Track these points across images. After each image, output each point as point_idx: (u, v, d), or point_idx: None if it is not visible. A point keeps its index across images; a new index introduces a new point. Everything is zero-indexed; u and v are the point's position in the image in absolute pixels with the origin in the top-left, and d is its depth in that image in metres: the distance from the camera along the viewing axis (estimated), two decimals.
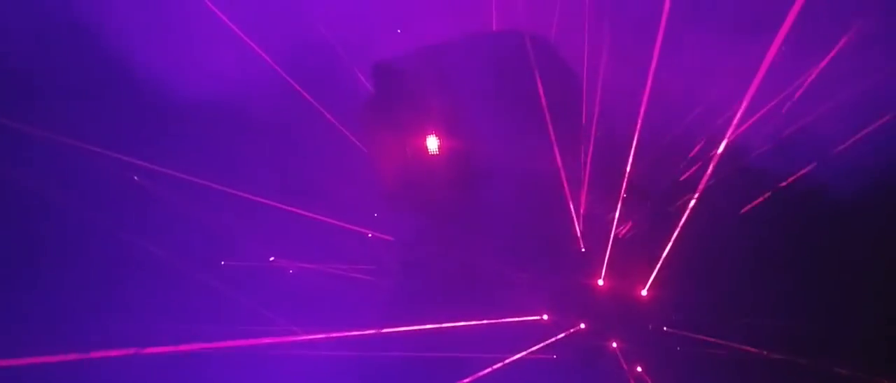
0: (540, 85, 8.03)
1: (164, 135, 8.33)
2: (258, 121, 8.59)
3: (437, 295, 7.95)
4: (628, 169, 7.94)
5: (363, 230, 8.84)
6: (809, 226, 7.46)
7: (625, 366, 7.63)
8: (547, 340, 7.72)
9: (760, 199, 7.60)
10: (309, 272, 8.63)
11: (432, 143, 8.49)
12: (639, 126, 7.68)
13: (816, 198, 7.45)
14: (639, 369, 7.63)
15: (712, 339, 7.49)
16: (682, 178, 7.84)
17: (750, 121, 7.31)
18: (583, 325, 7.73)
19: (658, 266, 7.62)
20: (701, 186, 7.40)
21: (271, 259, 8.89)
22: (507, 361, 7.65)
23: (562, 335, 7.73)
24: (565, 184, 8.00)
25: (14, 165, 7.86)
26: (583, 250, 8.08)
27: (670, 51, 7.53)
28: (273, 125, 8.67)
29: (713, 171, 7.39)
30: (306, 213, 8.71)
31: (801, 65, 7.28)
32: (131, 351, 7.52)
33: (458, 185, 8.34)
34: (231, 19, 8.28)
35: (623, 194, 8.00)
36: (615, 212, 7.98)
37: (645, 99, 7.69)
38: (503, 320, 7.78)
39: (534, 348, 7.68)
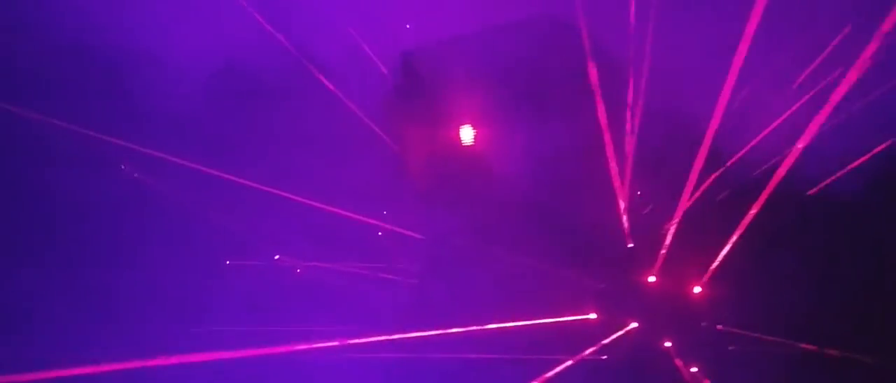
0: (590, 69, 7.70)
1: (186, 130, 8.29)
2: (273, 112, 8.49)
3: (478, 295, 7.70)
4: (677, 158, 7.65)
5: (397, 229, 8.66)
6: (873, 222, 7.07)
7: (680, 366, 7.30)
8: (596, 341, 7.44)
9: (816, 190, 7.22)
10: (341, 273, 8.48)
11: (467, 135, 8.22)
12: (687, 115, 7.39)
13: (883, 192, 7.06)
14: (694, 370, 7.30)
15: (769, 338, 7.14)
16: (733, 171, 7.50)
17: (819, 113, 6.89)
18: (635, 324, 7.41)
19: (714, 262, 7.28)
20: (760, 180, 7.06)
21: (276, 257, 8.81)
22: (554, 363, 7.38)
23: (612, 335, 7.44)
24: (614, 176, 7.68)
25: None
26: (630, 246, 7.76)
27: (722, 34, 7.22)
28: (290, 116, 8.55)
29: (770, 165, 7.05)
30: (338, 212, 8.55)
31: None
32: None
33: (495, 179, 8.07)
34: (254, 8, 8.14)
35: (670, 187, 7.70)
36: (662, 206, 7.66)
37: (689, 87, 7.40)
38: (549, 320, 7.50)
39: (584, 349, 7.41)
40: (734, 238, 7.18)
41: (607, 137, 7.83)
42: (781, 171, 6.95)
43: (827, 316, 7.00)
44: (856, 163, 7.10)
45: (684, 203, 7.58)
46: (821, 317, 6.98)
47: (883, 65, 6.46)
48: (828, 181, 7.23)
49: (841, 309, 6.98)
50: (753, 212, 7.05)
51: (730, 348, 7.24)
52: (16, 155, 7.92)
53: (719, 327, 7.36)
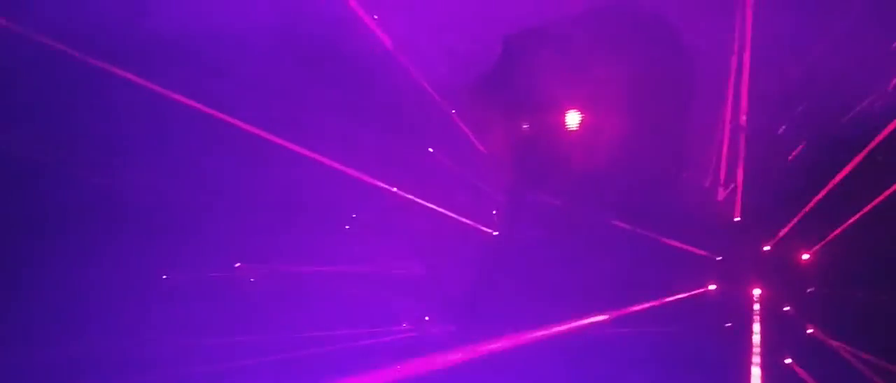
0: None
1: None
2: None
3: (604, 283, 8.05)
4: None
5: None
6: None
7: (799, 328, 7.92)
8: (718, 309, 7.96)
9: None
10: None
11: (572, 119, 8.42)
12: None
13: None
14: (810, 331, 7.93)
15: (878, 294, 7.82)
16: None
17: None
18: (758, 291, 7.96)
19: (820, 229, 7.90)
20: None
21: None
22: (679, 333, 7.85)
23: (733, 304, 7.98)
24: (724, 157, 8.19)
25: None
26: (737, 219, 8.29)
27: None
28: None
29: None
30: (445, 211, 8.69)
31: None
32: None
33: (599, 165, 8.40)
34: None
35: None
36: (768, 179, 8.23)
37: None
38: (675, 298, 7.96)
39: (708, 318, 7.91)
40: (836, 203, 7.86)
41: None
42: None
43: None
44: None
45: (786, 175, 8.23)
46: None
47: None
48: None
49: None
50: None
51: (840, 308, 7.90)
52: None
53: (828, 290, 8.01)
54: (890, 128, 7.44)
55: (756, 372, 7.63)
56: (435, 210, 8.74)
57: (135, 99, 7.38)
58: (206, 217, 8.09)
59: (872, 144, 7.59)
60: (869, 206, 7.61)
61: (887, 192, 7.58)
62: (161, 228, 7.92)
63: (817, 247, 7.95)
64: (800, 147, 8.21)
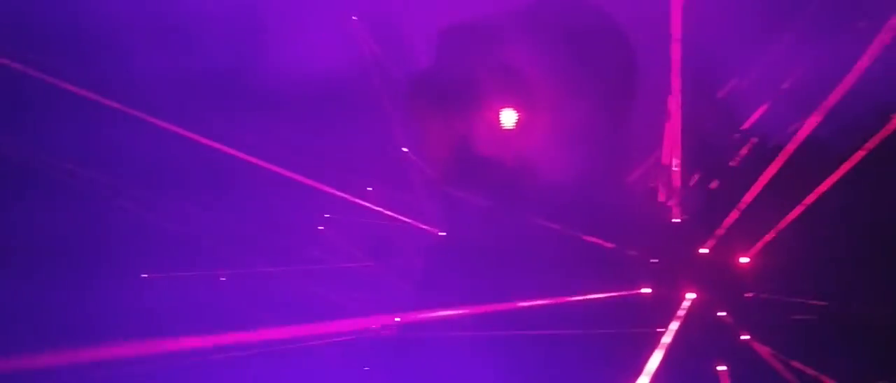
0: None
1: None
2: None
3: (534, 275, 7.92)
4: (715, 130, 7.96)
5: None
6: None
7: (734, 335, 7.66)
8: (652, 314, 7.74)
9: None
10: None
11: (507, 117, 8.26)
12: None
13: None
14: (746, 337, 7.67)
15: (816, 302, 7.53)
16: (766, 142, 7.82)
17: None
18: (693, 295, 7.73)
19: (760, 233, 7.63)
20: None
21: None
22: (611, 336, 7.66)
23: (667, 308, 7.75)
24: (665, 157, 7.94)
25: None
26: (677, 221, 8.05)
27: None
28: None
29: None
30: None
31: None
32: None
33: (534, 162, 8.22)
34: None
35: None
36: (707, 177, 7.97)
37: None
38: (603, 295, 7.76)
39: (640, 323, 7.70)
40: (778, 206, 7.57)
41: (645, 110, 8.15)
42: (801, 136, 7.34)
43: (869, 281, 7.41)
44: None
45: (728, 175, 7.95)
46: (865, 283, 7.38)
47: None
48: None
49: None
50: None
51: (775, 315, 7.62)
52: None
53: (765, 296, 7.73)
54: (806, 129, 7.12)
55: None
56: (383, 212, 8.74)
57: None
58: (148, 220, 8.22)
59: (787, 147, 7.31)
60: (801, 207, 7.31)
61: (820, 190, 7.26)
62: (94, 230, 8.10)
63: (756, 250, 7.67)
64: (743, 148, 7.93)
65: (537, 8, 8.08)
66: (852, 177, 7.28)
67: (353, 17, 8.45)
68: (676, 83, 7.73)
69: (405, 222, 8.75)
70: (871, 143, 7.13)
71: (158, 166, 8.27)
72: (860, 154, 7.13)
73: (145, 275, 8.34)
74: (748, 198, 7.64)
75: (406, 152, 8.79)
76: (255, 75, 8.05)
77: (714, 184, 7.92)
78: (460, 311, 7.95)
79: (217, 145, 7.97)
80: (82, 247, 7.95)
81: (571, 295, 7.75)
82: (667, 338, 7.62)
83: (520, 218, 8.11)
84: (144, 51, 8.05)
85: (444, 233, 8.64)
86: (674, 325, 7.65)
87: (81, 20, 7.78)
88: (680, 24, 7.55)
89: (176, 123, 7.87)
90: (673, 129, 7.90)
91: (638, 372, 7.36)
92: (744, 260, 7.76)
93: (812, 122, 7.29)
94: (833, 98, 7.22)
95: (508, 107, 8.09)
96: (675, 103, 7.86)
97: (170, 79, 7.89)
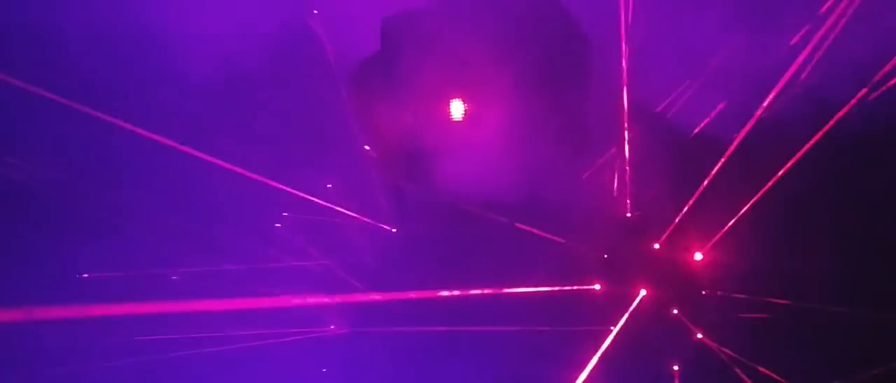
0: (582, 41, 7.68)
1: None
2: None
3: (480, 267, 7.70)
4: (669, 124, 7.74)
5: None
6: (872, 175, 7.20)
7: (687, 333, 7.39)
8: (602, 310, 7.48)
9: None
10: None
11: (457, 109, 8.04)
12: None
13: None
14: (699, 336, 7.39)
15: (770, 300, 7.26)
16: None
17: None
18: (644, 292, 7.47)
19: (715, 229, 7.38)
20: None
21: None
22: (562, 334, 7.41)
23: (618, 304, 7.49)
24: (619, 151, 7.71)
25: None
26: (629, 215, 7.81)
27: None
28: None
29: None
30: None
31: None
32: None
33: (486, 153, 8.00)
34: None
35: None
36: (661, 172, 7.72)
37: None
38: (551, 289, 7.52)
39: (589, 319, 7.45)
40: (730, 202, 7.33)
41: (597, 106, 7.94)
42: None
43: (828, 277, 7.15)
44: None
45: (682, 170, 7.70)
46: (823, 278, 7.12)
47: None
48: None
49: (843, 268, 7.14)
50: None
51: (731, 313, 7.35)
52: None
53: (720, 293, 7.46)
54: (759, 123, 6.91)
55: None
56: (333, 208, 8.54)
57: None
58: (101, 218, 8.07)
59: (741, 140, 7.09)
60: (754, 201, 7.07)
61: (773, 184, 7.02)
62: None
63: (710, 246, 7.42)
64: (698, 142, 7.69)
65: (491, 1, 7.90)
66: (808, 171, 7.04)
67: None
68: (629, 78, 7.53)
69: (355, 218, 8.53)
70: (826, 135, 6.89)
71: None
72: (814, 146, 6.90)
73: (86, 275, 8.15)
74: (702, 192, 7.38)
75: (367, 150, 8.59)
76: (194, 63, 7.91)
77: (668, 179, 7.65)
78: (409, 306, 7.76)
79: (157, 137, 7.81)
80: None
81: (519, 290, 7.52)
82: (617, 336, 7.37)
83: (469, 212, 7.91)
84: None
85: (395, 229, 8.45)
86: (625, 322, 7.39)
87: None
88: (630, 18, 7.38)
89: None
90: (626, 123, 7.68)
91: (585, 369, 7.12)
92: (698, 256, 7.50)
93: (767, 115, 7.09)
94: (786, 92, 7.04)
95: (457, 98, 7.89)
96: (627, 98, 7.65)
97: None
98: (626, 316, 7.41)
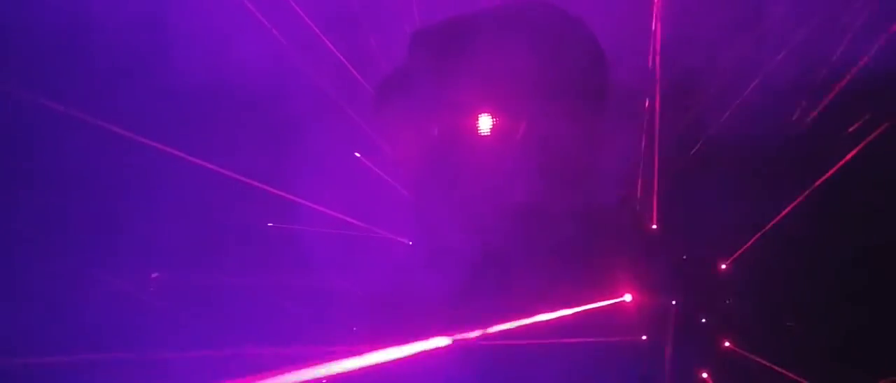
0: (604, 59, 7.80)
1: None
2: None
3: (514, 288, 7.74)
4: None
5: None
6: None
7: (717, 341, 7.61)
8: (633, 321, 7.64)
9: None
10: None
11: (485, 124, 8.07)
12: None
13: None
14: (727, 344, 7.63)
15: (798, 306, 7.53)
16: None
17: None
18: (674, 302, 7.65)
19: (741, 240, 7.61)
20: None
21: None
22: (594, 345, 7.53)
23: (648, 314, 7.66)
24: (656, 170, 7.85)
25: None
26: (654, 227, 7.98)
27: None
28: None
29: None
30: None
31: None
32: None
33: (511, 171, 8.04)
34: None
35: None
36: (686, 183, 7.91)
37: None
38: (585, 307, 7.63)
39: (622, 331, 7.59)
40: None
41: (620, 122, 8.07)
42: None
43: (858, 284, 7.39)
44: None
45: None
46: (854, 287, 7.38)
47: None
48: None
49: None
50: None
51: (758, 321, 7.60)
52: None
53: (747, 301, 7.70)
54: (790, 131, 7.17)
55: None
56: (346, 220, 8.42)
57: None
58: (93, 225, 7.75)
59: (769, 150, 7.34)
60: (784, 212, 7.32)
61: (805, 195, 7.28)
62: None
63: (736, 256, 7.66)
64: (722, 154, 7.90)
65: (512, 13, 7.92)
66: (839, 181, 7.28)
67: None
68: (655, 88, 7.68)
69: (371, 230, 8.44)
70: (861, 144, 7.13)
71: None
72: (848, 156, 7.13)
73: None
74: (728, 202, 7.60)
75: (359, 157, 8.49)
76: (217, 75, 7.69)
77: (693, 191, 7.85)
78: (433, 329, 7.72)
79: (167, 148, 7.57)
80: None
81: (551, 306, 7.60)
82: (648, 345, 7.55)
83: (492, 226, 7.93)
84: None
85: (412, 242, 8.40)
86: (655, 332, 7.56)
87: None
88: (660, 32, 7.53)
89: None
90: (650, 135, 7.84)
91: (626, 379, 7.26)
92: (723, 266, 7.74)
93: (797, 124, 7.35)
94: (821, 100, 7.29)
95: (483, 112, 7.90)
96: (652, 109, 7.80)
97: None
98: (657, 325, 7.59)
